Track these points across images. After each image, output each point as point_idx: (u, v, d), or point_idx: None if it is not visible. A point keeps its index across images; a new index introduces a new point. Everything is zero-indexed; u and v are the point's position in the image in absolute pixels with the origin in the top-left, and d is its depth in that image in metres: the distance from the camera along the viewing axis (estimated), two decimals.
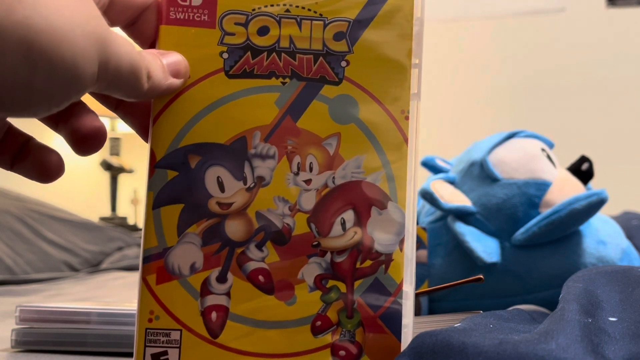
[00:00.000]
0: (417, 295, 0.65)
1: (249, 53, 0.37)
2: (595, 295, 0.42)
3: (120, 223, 2.14)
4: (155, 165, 0.36)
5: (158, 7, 0.37)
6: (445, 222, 0.72)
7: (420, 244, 0.70)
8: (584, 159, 0.76)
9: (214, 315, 0.35)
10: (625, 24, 2.23)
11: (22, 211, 1.43)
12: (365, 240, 0.37)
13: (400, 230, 0.37)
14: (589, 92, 2.23)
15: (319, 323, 0.36)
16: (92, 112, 0.35)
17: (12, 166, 0.35)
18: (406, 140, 0.38)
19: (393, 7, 0.38)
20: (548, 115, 2.22)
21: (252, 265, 0.36)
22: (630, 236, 0.77)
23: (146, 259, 0.36)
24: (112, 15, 0.34)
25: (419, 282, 0.70)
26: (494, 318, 0.45)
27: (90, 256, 1.52)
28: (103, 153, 2.29)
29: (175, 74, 0.35)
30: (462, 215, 0.69)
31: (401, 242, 0.37)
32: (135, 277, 1.33)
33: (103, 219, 2.15)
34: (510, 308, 0.58)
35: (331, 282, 0.36)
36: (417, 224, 0.78)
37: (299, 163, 0.37)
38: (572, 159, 0.77)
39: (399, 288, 0.37)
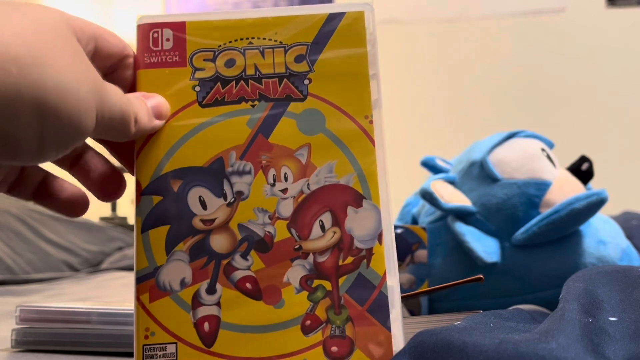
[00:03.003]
0: (417, 295, 0.65)
1: (218, 84, 0.40)
2: (595, 295, 0.42)
3: (121, 223, 2.14)
4: (141, 193, 0.39)
5: (134, 54, 0.41)
6: (445, 222, 0.72)
7: (420, 244, 0.70)
8: (583, 159, 0.76)
9: (206, 325, 0.37)
10: (625, 23, 2.23)
11: (22, 211, 1.43)
12: (344, 238, 0.39)
13: (378, 225, 0.39)
14: (589, 92, 2.23)
15: (308, 322, 0.38)
16: (103, 158, 0.41)
17: (33, 198, 0.40)
18: (373, 142, 0.41)
19: (346, 26, 0.42)
20: (548, 115, 2.22)
21: (238, 275, 0.38)
22: (630, 236, 0.77)
23: (139, 280, 0.38)
24: (95, 64, 0.37)
25: (419, 282, 0.70)
26: (495, 317, 0.45)
27: (91, 256, 1.52)
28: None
29: (158, 116, 0.39)
30: (462, 215, 0.69)
31: (379, 236, 0.39)
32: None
33: (103, 219, 2.14)
34: (511, 308, 0.58)
35: (316, 282, 0.38)
36: (417, 223, 0.78)
37: (274, 175, 0.39)
38: (572, 159, 0.77)
39: (382, 280, 0.39)
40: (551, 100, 2.26)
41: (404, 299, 0.65)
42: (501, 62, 2.30)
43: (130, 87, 0.41)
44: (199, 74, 0.41)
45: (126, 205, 2.31)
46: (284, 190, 0.39)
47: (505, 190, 0.69)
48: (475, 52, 2.32)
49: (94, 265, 1.52)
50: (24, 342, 0.53)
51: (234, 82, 0.41)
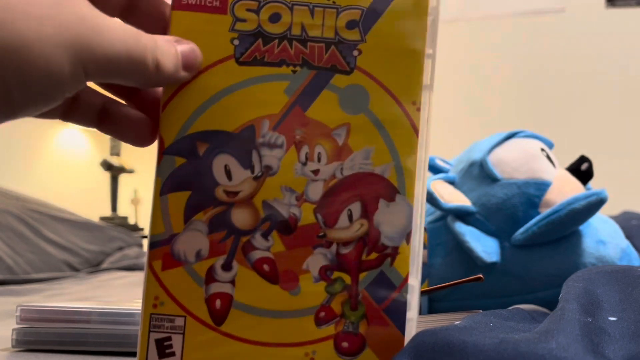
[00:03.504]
0: None
1: (260, 40, 0.36)
2: (595, 295, 0.42)
3: (121, 223, 2.14)
4: (163, 151, 0.35)
5: None
6: (445, 222, 0.72)
7: None
8: (583, 159, 0.76)
9: (218, 302, 0.35)
10: (625, 24, 2.23)
11: (22, 211, 1.43)
12: (371, 232, 0.36)
13: (408, 224, 0.37)
14: (588, 92, 2.23)
15: (322, 314, 0.36)
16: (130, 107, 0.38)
17: (97, 126, 0.38)
18: (417, 132, 0.37)
19: None
20: (548, 115, 2.22)
21: (257, 254, 0.36)
22: (629, 236, 0.77)
23: (152, 245, 0.35)
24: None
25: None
26: (494, 317, 0.45)
27: (91, 256, 1.52)
28: (103, 153, 2.29)
29: (187, 66, 0.35)
30: (462, 215, 0.69)
31: (408, 235, 0.37)
32: (135, 277, 1.33)
33: (103, 218, 2.14)
34: (510, 307, 0.58)
35: (336, 274, 0.36)
36: None
37: (307, 153, 0.36)
38: (572, 159, 0.77)
39: (404, 282, 0.37)
40: (551, 100, 2.26)
41: None
42: (501, 62, 2.30)
43: (160, 28, 0.37)
44: (239, 26, 0.36)
45: (126, 205, 2.31)
46: (316, 172, 0.36)
47: (505, 190, 0.69)
48: (475, 52, 2.32)
49: (95, 265, 1.52)
50: (25, 341, 0.53)
51: (276, 40, 0.36)
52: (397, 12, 0.38)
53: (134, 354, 0.36)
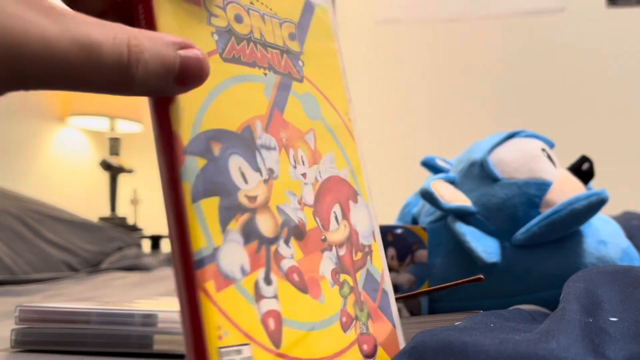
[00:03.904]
0: (417, 295, 0.65)
1: (233, 38, 0.34)
2: (595, 295, 0.42)
3: (120, 223, 2.14)
4: (183, 150, 0.30)
5: None
6: (445, 222, 0.72)
7: (420, 244, 0.70)
8: (584, 159, 0.75)
9: (271, 322, 0.31)
10: (626, 23, 2.23)
11: (21, 211, 1.42)
12: (352, 233, 0.37)
13: (371, 222, 0.38)
14: (589, 92, 2.23)
15: (344, 319, 0.35)
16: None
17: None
18: (354, 140, 0.39)
19: (318, 19, 0.40)
20: (548, 115, 2.22)
21: (286, 264, 0.33)
22: (630, 236, 0.77)
23: (199, 263, 0.29)
24: None
25: (419, 282, 0.69)
26: (495, 317, 0.45)
27: (90, 256, 1.52)
28: (102, 153, 2.28)
29: (187, 78, 0.29)
30: (462, 215, 0.69)
31: (374, 233, 0.38)
32: (135, 277, 1.33)
33: (102, 219, 2.14)
34: (511, 308, 0.58)
35: (342, 276, 0.36)
36: (417, 223, 0.78)
37: (294, 156, 0.35)
38: (573, 158, 0.77)
39: (382, 276, 0.38)
40: (552, 100, 2.26)
41: (404, 299, 0.65)
42: (501, 62, 2.30)
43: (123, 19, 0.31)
44: (214, 20, 0.33)
45: (126, 205, 2.31)
46: (304, 175, 0.35)
47: (506, 190, 0.69)
48: (475, 52, 2.32)
49: (94, 266, 1.52)
50: (24, 342, 0.53)
51: (245, 41, 0.35)
52: (316, 32, 0.39)
53: (133, 355, 0.36)
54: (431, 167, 0.80)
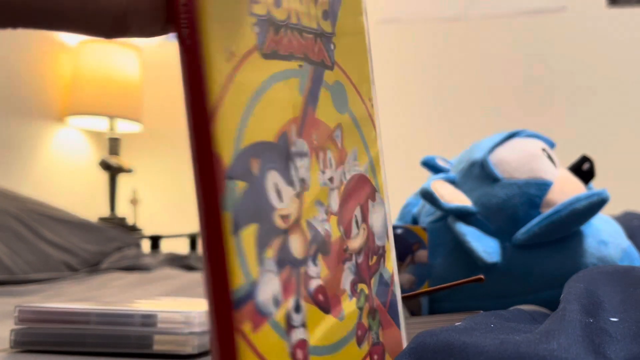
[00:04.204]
0: (417, 296, 0.65)
1: (271, 28, 0.30)
2: (596, 296, 0.42)
3: (119, 223, 2.13)
4: (226, 174, 0.26)
5: None
6: (445, 222, 0.72)
7: (420, 244, 0.70)
8: (584, 159, 0.75)
9: (299, 354, 0.29)
10: (626, 23, 2.23)
11: (21, 211, 1.42)
12: (369, 236, 0.35)
13: (385, 220, 0.36)
14: (590, 91, 2.23)
15: (359, 332, 0.33)
16: None
17: None
18: (375, 128, 0.36)
19: None
20: (549, 115, 2.22)
21: (313, 284, 0.30)
22: (631, 236, 0.77)
23: (237, 303, 0.26)
24: None
25: (419, 283, 0.69)
26: (495, 318, 0.45)
27: (89, 256, 1.52)
28: (102, 153, 2.28)
29: None
30: (463, 215, 0.69)
31: (387, 232, 0.36)
32: (134, 278, 1.33)
33: (102, 219, 2.14)
34: (511, 308, 0.58)
35: (359, 286, 0.34)
36: (417, 223, 0.78)
37: (323, 159, 0.32)
38: (573, 158, 0.77)
39: (392, 278, 0.36)
40: (552, 99, 2.25)
41: (404, 299, 0.65)
42: (502, 62, 2.30)
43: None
44: (255, 8, 0.29)
45: (125, 206, 2.31)
46: (331, 179, 0.32)
47: (506, 190, 0.69)
48: (476, 52, 2.32)
49: (93, 266, 1.52)
50: (23, 342, 0.53)
51: (282, 29, 0.31)
52: (347, 6, 0.35)
53: (132, 355, 0.36)
54: (431, 167, 0.80)
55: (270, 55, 0.30)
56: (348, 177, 0.34)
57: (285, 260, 0.29)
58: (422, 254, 0.70)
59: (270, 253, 0.28)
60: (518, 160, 0.71)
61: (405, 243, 0.70)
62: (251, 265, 0.27)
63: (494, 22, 2.30)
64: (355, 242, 0.34)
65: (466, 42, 2.32)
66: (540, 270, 0.67)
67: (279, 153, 0.29)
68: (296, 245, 0.30)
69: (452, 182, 0.74)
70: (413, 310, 0.68)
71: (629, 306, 0.40)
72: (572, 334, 0.34)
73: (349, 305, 0.32)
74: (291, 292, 0.29)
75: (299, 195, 0.30)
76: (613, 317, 0.38)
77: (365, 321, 0.34)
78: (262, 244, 0.28)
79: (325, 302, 0.31)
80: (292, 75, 0.31)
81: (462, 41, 2.32)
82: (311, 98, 0.32)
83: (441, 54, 2.33)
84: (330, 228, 0.32)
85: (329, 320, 0.31)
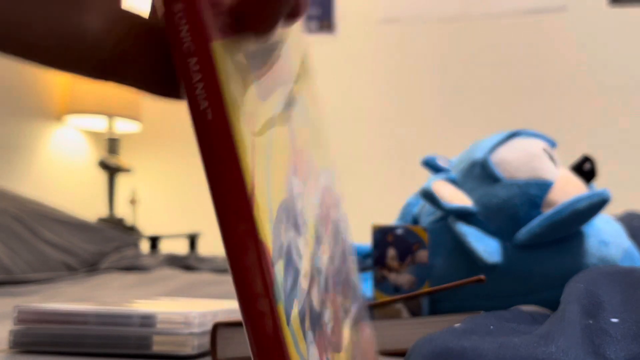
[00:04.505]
0: (418, 296, 0.65)
1: (259, 55, 0.27)
2: (596, 296, 0.42)
3: (118, 223, 2.13)
4: (272, 261, 0.22)
5: None
6: (446, 223, 0.72)
7: (421, 244, 0.70)
8: (586, 159, 0.75)
9: None
10: (627, 22, 2.23)
11: (20, 211, 1.42)
12: (346, 246, 0.35)
13: (344, 217, 0.35)
14: (590, 91, 2.23)
15: (352, 350, 0.32)
16: None
17: None
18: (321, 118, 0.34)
19: None
20: (550, 115, 2.22)
21: (329, 330, 0.28)
22: (632, 236, 0.77)
23: None
24: None
25: (420, 283, 0.69)
26: (495, 319, 0.45)
27: (89, 256, 1.52)
28: (101, 152, 2.28)
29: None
30: (463, 215, 0.69)
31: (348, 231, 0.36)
32: (133, 278, 1.32)
33: (101, 219, 2.14)
34: (512, 308, 0.57)
35: (344, 302, 0.33)
36: (417, 223, 0.77)
37: (309, 187, 0.30)
38: (575, 158, 0.77)
39: (355, 278, 0.37)
40: (553, 99, 2.25)
41: (405, 299, 0.65)
42: (502, 61, 2.30)
43: None
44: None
45: (124, 206, 2.31)
46: (314, 204, 0.30)
47: (507, 190, 0.69)
48: (476, 52, 2.32)
49: (92, 266, 1.51)
50: (22, 343, 0.53)
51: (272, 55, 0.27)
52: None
53: (131, 355, 0.35)
54: (432, 167, 0.80)
55: (265, 94, 0.25)
56: (323, 192, 0.31)
57: (315, 324, 0.26)
58: (422, 254, 0.70)
59: (308, 325, 0.25)
60: (519, 160, 0.71)
61: (406, 243, 0.70)
62: (301, 345, 0.24)
63: (494, 21, 2.30)
64: (335, 259, 0.31)
65: (466, 42, 2.32)
66: (541, 271, 0.67)
67: (289, 207, 0.25)
68: (316, 300, 0.26)
69: (452, 182, 0.74)
70: (413, 310, 0.68)
71: (630, 307, 0.40)
72: (572, 335, 0.34)
73: (345, 330, 0.31)
74: (322, 352, 0.26)
75: (306, 242, 0.27)
76: (613, 318, 0.38)
77: (354, 337, 0.32)
78: (303, 319, 0.24)
79: (336, 341, 0.29)
80: (280, 108, 0.27)
81: (463, 41, 2.32)
82: (291, 126, 0.28)
83: (441, 53, 2.33)
84: (325, 257, 0.29)
85: (340, 357, 0.28)
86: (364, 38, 2.34)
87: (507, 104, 2.27)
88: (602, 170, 0.79)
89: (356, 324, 0.34)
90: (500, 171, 0.71)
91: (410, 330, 0.53)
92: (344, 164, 2.32)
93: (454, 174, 0.75)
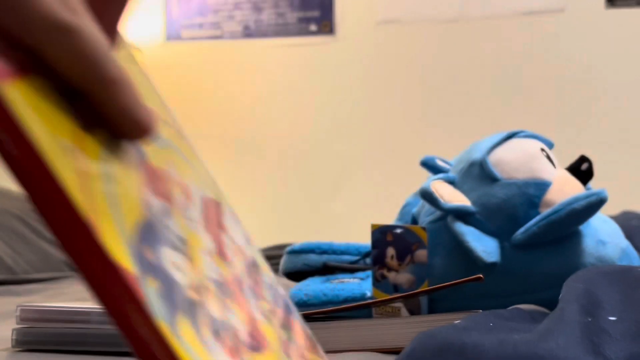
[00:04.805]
0: (417, 295, 0.65)
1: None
2: (595, 295, 0.42)
3: None
4: (138, 281, 0.23)
5: None
6: (445, 222, 0.72)
7: (420, 244, 0.70)
8: (583, 159, 0.76)
9: None
10: (625, 24, 2.23)
11: (22, 211, 1.42)
12: (241, 251, 0.34)
13: (242, 227, 0.35)
14: (588, 92, 2.23)
15: (284, 349, 0.33)
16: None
17: None
18: (184, 139, 0.34)
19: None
20: (548, 115, 2.22)
21: (243, 334, 0.30)
22: (629, 236, 0.77)
23: None
24: None
25: (419, 282, 0.70)
26: (494, 317, 0.45)
27: None
28: None
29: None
30: (462, 215, 0.69)
31: (248, 237, 0.35)
32: None
33: None
34: (510, 307, 0.58)
35: (261, 304, 0.33)
36: (417, 223, 0.78)
37: (178, 204, 0.31)
38: (572, 158, 0.77)
39: (273, 280, 0.36)
40: (551, 100, 2.26)
41: (404, 298, 0.65)
42: (501, 62, 2.30)
43: None
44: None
45: None
46: (191, 218, 0.30)
47: (505, 190, 0.69)
48: (475, 52, 2.32)
49: None
50: (25, 341, 0.53)
51: None
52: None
53: (133, 354, 0.35)
54: (431, 167, 0.80)
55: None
56: (199, 206, 0.31)
57: (217, 330, 0.26)
58: (421, 254, 0.70)
59: (207, 330, 0.25)
60: (517, 160, 0.71)
61: (405, 243, 0.70)
62: (201, 354, 0.24)
63: (494, 22, 2.30)
64: (237, 266, 0.32)
65: (466, 42, 2.32)
66: (539, 270, 0.67)
67: (153, 224, 0.25)
68: (214, 308, 0.27)
69: (451, 182, 0.74)
70: (413, 309, 0.68)
71: (628, 306, 0.40)
72: (571, 333, 0.34)
73: (267, 329, 0.31)
74: (235, 354, 0.27)
75: (187, 256, 0.27)
76: (612, 317, 0.38)
77: (283, 335, 0.33)
78: (196, 328, 0.25)
79: (256, 342, 0.29)
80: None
81: (462, 41, 2.32)
82: (136, 149, 0.27)
83: (440, 54, 2.33)
84: (218, 266, 0.29)
85: (264, 357, 0.29)
86: (363, 39, 2.34)
87: (506, 105, 2.28)
88: (598, 170, 0.79)
89: (286, 322, 0.34)
90: (499, 171, 0.71)
91: (410, 329, 0.53)
92: (343, 164, 2.32)
93: (452, 174, 0.76)
